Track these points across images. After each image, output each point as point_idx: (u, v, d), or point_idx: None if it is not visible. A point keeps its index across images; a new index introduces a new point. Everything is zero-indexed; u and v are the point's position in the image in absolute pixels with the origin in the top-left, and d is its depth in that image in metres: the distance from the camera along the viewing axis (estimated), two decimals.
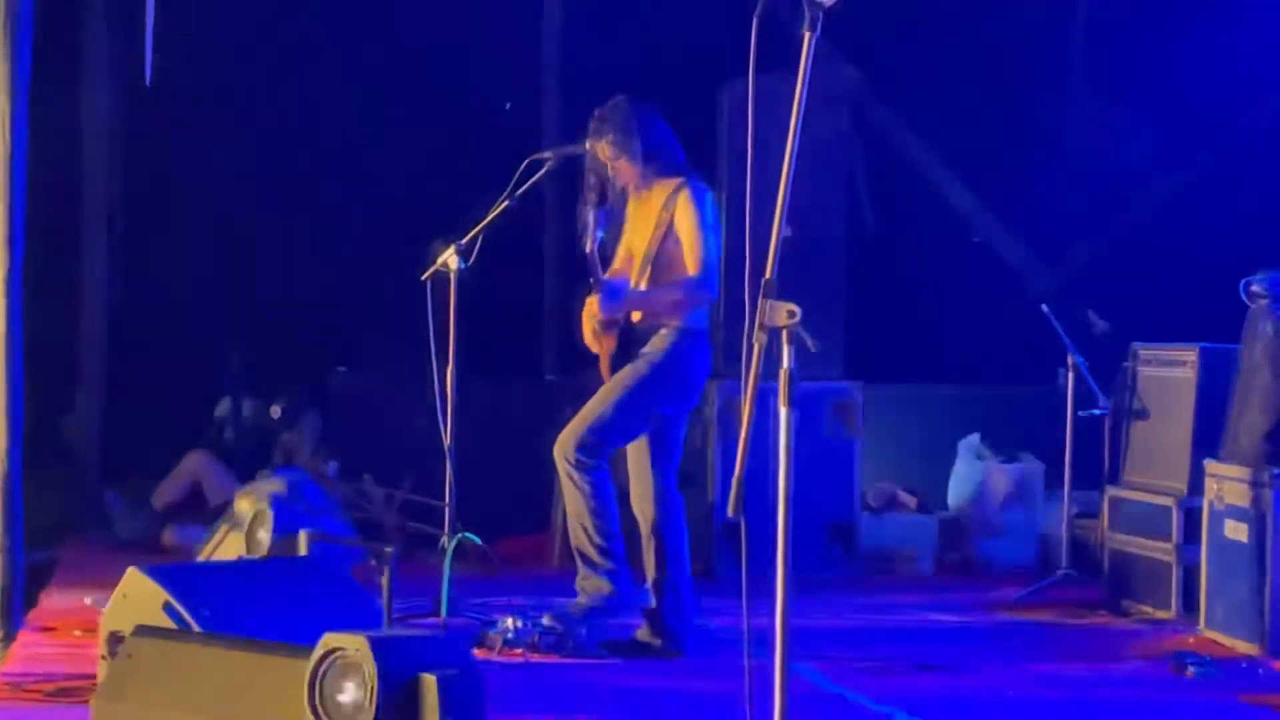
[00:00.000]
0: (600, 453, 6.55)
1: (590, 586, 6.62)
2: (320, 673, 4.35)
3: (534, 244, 10.60)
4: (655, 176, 6.68)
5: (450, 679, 4.26)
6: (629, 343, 6.65)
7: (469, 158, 9.55)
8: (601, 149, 6.70)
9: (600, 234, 6.57)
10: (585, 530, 6.58)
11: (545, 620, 6.51)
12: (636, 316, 6.65)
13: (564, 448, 6.56)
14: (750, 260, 4.09)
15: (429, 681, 4.25)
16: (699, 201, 6.59)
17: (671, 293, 6.58)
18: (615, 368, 6.66)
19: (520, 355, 10.69)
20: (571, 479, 6.55)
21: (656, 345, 6.60)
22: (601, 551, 6.58)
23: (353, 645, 4.33)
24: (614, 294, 6.57)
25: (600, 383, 6.73)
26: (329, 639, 4.37)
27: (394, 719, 4.26)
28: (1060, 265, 10.81)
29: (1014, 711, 5.84)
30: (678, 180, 6.64)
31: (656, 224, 6.61)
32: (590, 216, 6.60)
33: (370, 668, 4.26)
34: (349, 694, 4.31)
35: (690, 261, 6.56)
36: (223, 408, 9.96)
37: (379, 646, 4.31)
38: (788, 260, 4.00)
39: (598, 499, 6.55)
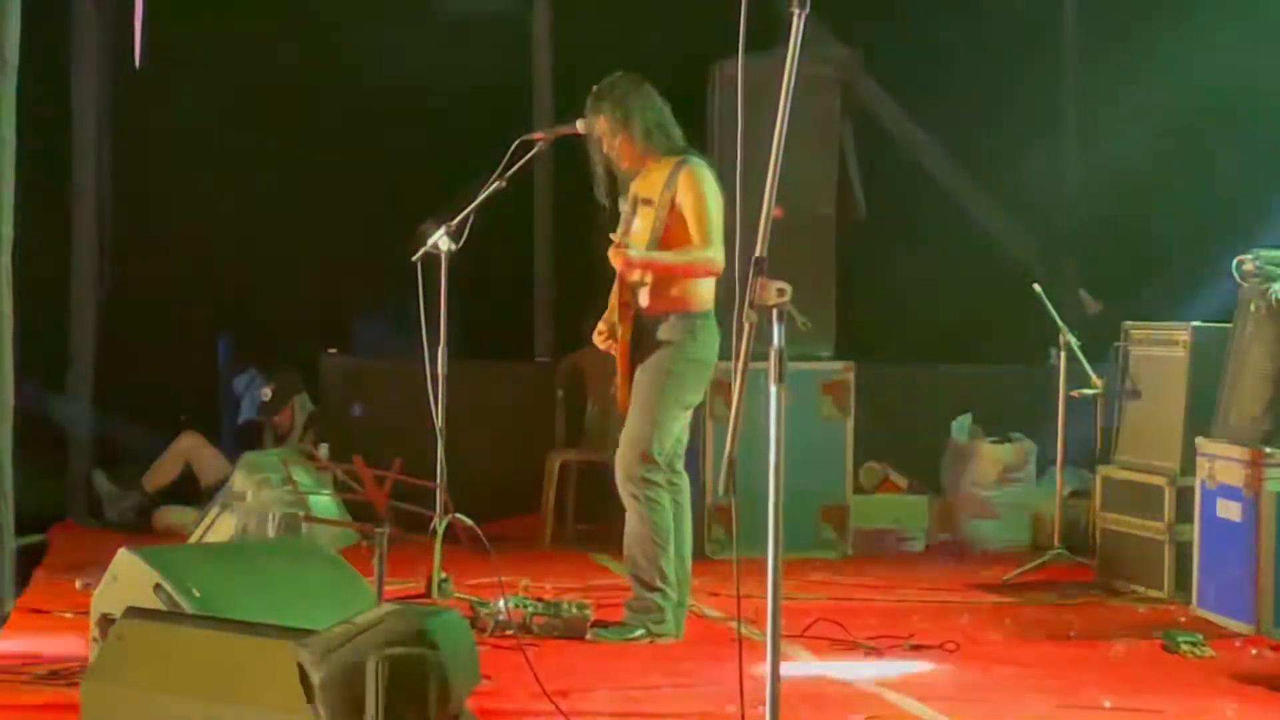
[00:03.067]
0: (660, 463, 6.53)
1: (639, 607, 6.60)
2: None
3: (525, 225, 10.58)
4: (654, 156, 6.64)
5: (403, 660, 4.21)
6: (640, 330, 6.59)
7: (460, 138, 9.53)
8: (599, 125, 6.66)
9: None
10: (644, 552, 6.55)
11: (589, 636, 6.48)
12: (645, 300, 6.57)
13: (628, 472, 6.53)
14: (740, 240, 4.08)
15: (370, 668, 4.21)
16: (701, 177, 6.56)
17: (683, 258, 6.53)
18: (632, 355, 6.60)
19: (511, 336, 10.68)
20: (638, 500, 6.52)
21: (672, 335, 6.55)
22: (659, 573, 6.54)
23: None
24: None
25: (615, 373, 6.72)
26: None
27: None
28: (1053, 244, 10.79)
29: (1005, 691, 5.83)
30: (677, 159, 6.61)
31: (659, 205, 6.56)
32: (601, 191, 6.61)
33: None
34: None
35: (697, 235, 6.53)
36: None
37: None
38: (778, 240, 3.98)
39: (662, 516, 6.54)
